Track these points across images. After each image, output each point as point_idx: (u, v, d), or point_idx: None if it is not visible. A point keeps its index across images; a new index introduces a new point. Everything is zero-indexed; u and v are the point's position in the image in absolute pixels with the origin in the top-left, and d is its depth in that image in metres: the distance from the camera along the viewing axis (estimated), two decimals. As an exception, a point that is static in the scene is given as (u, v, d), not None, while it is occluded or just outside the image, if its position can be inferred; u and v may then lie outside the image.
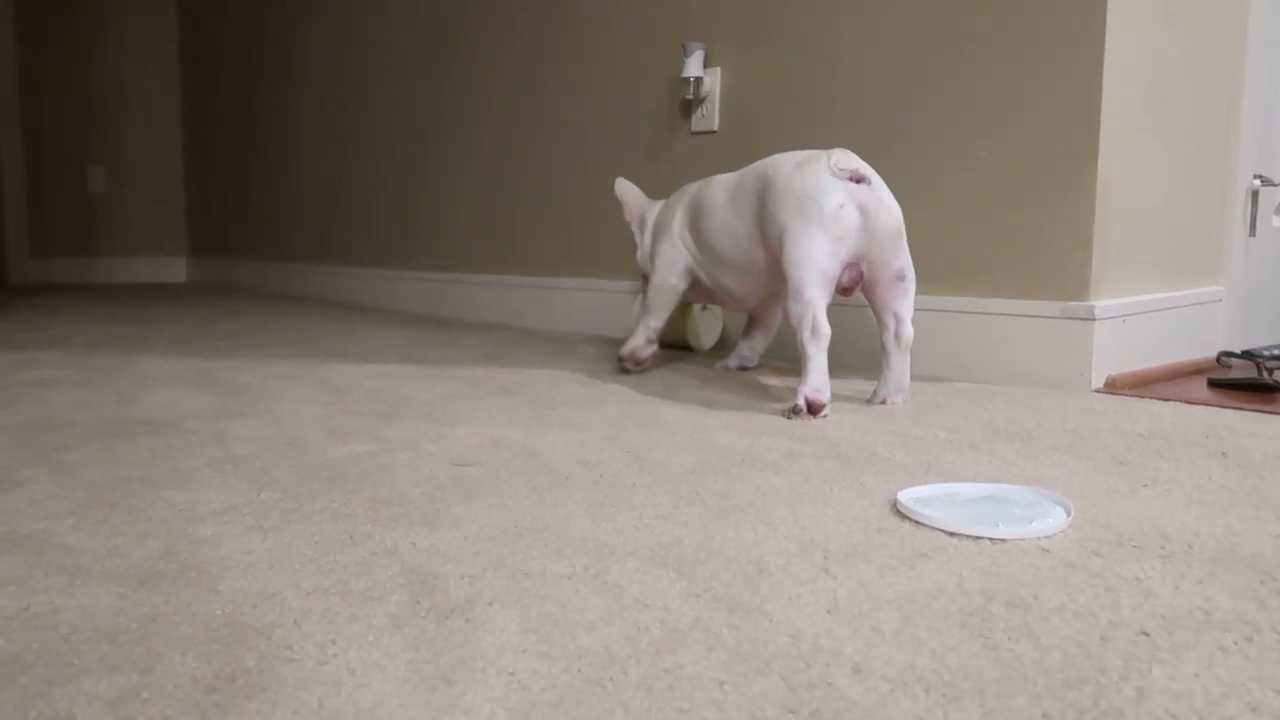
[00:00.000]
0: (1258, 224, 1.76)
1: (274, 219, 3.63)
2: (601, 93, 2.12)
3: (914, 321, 1.25)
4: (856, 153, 1.25)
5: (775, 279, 1.30)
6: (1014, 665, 0.48)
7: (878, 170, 1.29)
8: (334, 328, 2.28)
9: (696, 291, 1.49)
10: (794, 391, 1.24)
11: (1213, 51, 1.59)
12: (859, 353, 1.57)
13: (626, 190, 1.58)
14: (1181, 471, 0.88)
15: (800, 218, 1.19)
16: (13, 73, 4.04)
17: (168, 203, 4.46)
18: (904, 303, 1.24)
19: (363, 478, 0.86)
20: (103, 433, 1.05)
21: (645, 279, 1.59)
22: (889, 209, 1.20)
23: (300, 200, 3.42)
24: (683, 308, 1.75)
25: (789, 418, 1.14)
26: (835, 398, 1.27)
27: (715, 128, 1.85)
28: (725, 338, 1.84)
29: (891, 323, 1.24)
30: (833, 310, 1.21)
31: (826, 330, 1.16)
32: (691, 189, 1.46)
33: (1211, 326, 1.64)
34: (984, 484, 0.83)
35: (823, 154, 1.22)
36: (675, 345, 1.84)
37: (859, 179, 1.19)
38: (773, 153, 1.35)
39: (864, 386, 1.38)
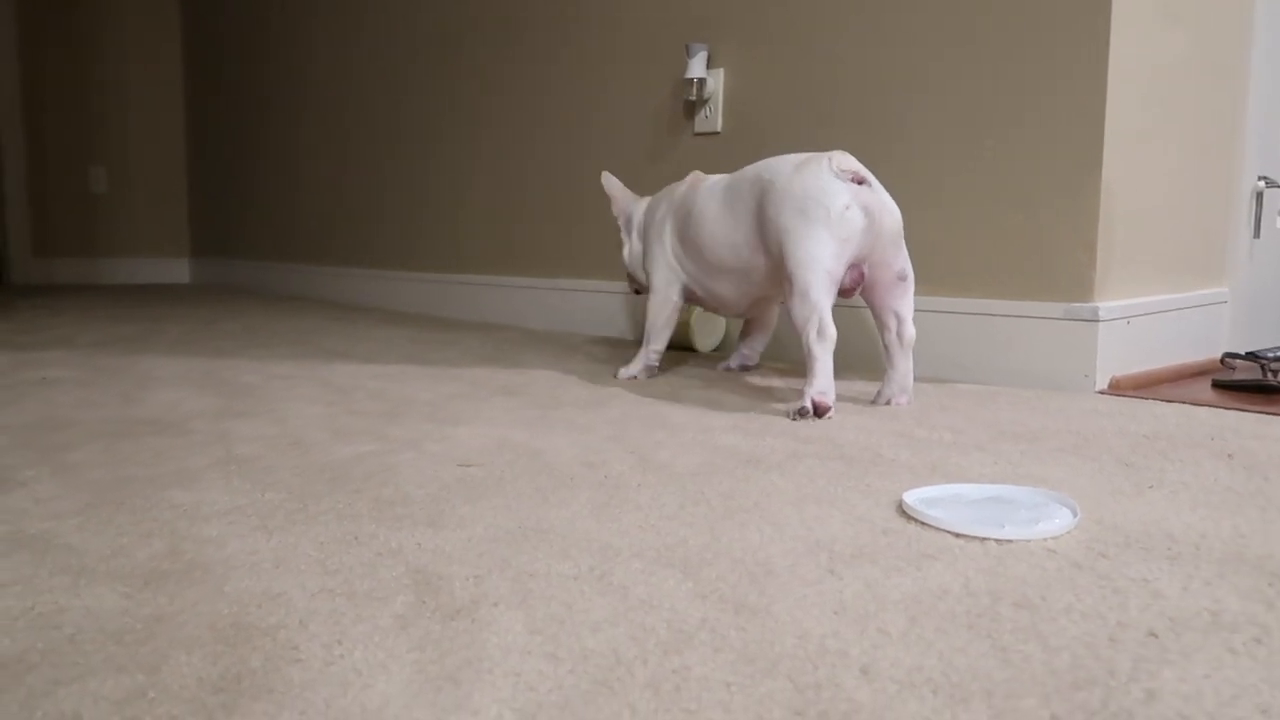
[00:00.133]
0: (1262, 225, 1.76)
1: (276, 219, 3.63)
2: (604, 94, 2.12)
3: (917, 323, 1.25)
4: (859, 153, 1.25)
5: (774, 284, 1.30)
6: (1022, 666, 0.48)
7: (881, 171, 1.30)
8: (336, 328, 2.28)
9: (688, 301, 1.49)
10: (798, 393, 1.24)
11: (1217, 52, 1.59)
12: (860, 354, 1.57)
13: (614, 185, 1.58)
14: (1187, 473, 0.88)
15: (804, 220, 1.18)
16: (15, 73, 4.05)
17: (170, 203, 4.47)
18: (905, 302, 1.24)
19: (367, 478, 0.86)
20: (107, 433, 1.05)
21: (630, 279, 1.59)
22: (890, 210, 1.21)
23: (302, 201, 3.42)
24: (683, 310, 1.75)
25: (794, 419, 1.14)
26: (839, 399, 1.26)
27: (719, 129, 1.85)
28: (725, 339, 1.84)
29: (893, 323, 1.24)
30: (833, 312, 1.21)
31: (833, 332, 1.16)
32: (677, 193, 1.44)
33: (1216, 328, 1.64)
34: (989, 485, 0.83)
35: (822, 156, 1.22)
36: (676, 347, 1.84)
37: (860, 180, 1.19)
38: (777, 153, 1.35)
39: (865, 387, 1.37)
